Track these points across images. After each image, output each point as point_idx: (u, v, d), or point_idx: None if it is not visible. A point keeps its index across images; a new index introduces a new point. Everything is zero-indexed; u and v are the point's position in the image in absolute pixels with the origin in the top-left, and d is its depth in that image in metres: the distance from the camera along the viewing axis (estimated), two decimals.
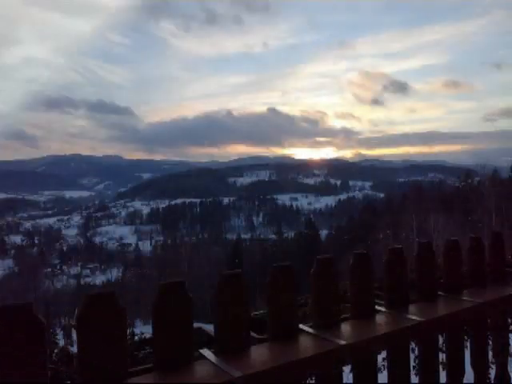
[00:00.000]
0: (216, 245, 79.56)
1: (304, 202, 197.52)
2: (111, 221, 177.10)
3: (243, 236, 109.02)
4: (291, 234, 78.96)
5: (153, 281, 48.37)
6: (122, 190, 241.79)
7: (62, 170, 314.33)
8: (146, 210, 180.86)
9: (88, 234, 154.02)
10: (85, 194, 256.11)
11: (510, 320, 2.49)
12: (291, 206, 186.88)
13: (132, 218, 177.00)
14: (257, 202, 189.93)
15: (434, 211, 37.50)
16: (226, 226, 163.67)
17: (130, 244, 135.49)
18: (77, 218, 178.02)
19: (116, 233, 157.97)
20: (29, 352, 1.03)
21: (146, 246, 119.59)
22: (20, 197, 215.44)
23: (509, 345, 2.21)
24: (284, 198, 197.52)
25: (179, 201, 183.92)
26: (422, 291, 1.89)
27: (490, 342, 2.14)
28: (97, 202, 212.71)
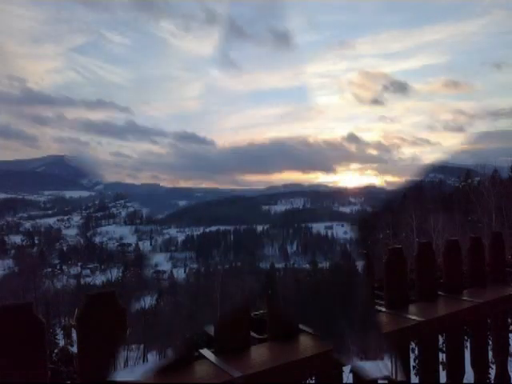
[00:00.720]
0: (249, 273, 78.87)
1: (340, 230, 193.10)
2: (111, 221, 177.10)
3: (277, 265, 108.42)
4: (326, 264, 77.86)
5: (185, 308, 47.73)
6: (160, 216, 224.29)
7: (62, 170, 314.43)
8: (181, 237, 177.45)
9: (88, 234, 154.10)
10: (85, 194, 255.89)
11: (510, 320, 2.49)
12: (326, 234, 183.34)
13: (132, 218, 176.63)
14: (291, 230, 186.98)
15: (434, 211, 37.48)
16: (260, 255, 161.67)
17: (130, 244, 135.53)
18: (77, 218, 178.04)
19: (116, 233, 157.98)
20: (29, 352, 1.03)
21: (180, 273, 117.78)
22: (20, 197, 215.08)
23: (509, 345, 2.21)
24: (319, 227, 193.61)
25: (213, 228, 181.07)
26: (421, 291, 1.89)
27: (490, 342, 2.14)
28: (97, 202, 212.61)
